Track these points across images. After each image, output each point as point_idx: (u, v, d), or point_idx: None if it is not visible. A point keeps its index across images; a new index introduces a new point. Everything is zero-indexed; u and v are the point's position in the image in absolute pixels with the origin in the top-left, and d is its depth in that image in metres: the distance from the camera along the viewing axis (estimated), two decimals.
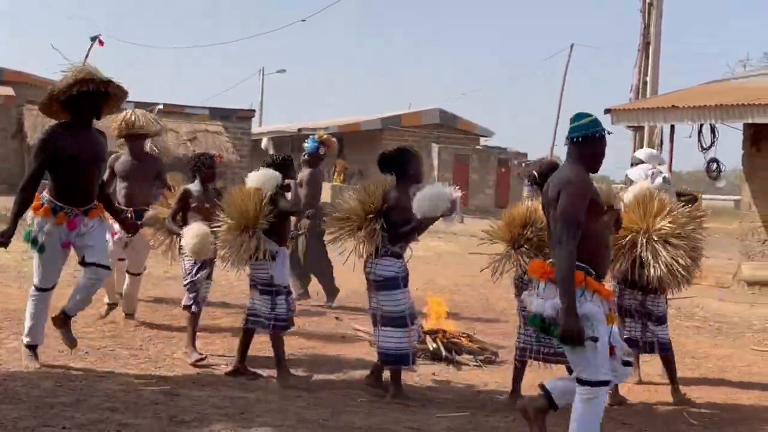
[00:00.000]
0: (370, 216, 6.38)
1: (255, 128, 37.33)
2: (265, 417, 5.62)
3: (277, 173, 6.82)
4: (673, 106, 15.05)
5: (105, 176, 7.63)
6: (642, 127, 16.74)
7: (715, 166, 15.32)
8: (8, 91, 28.32)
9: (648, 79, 16.90)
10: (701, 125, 15.14)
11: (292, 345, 8.06)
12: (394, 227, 6.37)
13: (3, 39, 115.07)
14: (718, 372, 8.15)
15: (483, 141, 40.38)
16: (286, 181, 6.92)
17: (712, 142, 15.06)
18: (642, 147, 16.74)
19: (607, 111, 16.25)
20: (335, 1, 64.09)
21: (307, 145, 10.73)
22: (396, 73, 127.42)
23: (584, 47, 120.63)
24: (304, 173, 10.59)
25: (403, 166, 6.53)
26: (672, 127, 15.89)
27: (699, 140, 15.21)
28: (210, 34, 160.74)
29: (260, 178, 6.78)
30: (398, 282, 6.39)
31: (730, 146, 18.34)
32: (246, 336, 6.87)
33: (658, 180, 7.24)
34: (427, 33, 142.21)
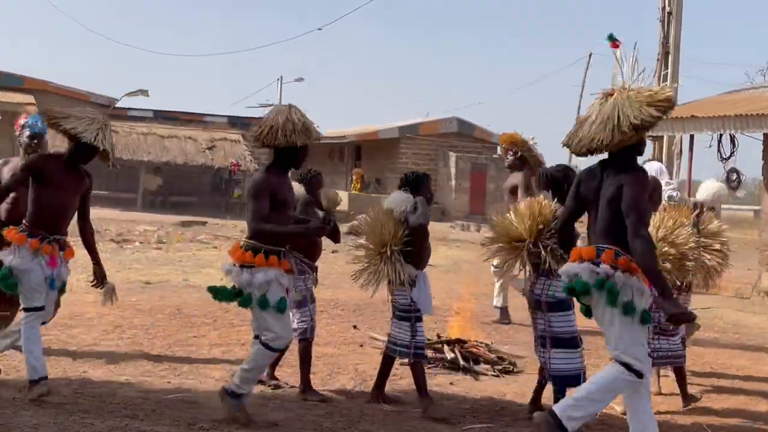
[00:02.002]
0: (537, 234, 6.11)
1: None
2: (284, 425, 5.64)
3: (409, 196, 6.51)
4: (692, 115, 15.00)
5: None
6: (661, 137, 16.67)
7: (734, 176, 15.23)
8: (29, 98, 28.53)
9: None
10: (720, 135, 15.08)
11: (315, 353, 8.06)
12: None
13: (26, 48, 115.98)
14: (738, 383, 8.09)
15: (500, 149, 40.29)
16: (418, 198, 6.57)
17: (732, 152, 14.98)
18: (661, 156, 16.69)
19: None
20: (351, 11, 64.15)
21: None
22: (414, 81, 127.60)
23: (603, 57, 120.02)
24: None
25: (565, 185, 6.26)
26: (691, 136, 15.83)
27: (718, 150, 15.14)
28: (229, 43, 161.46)
29: (393, 201, 6.56)
30: (571, 302, 6.12)
31: (750, 156, 18.24)
32: (385, 363, 6.60)
33: (665, 195, 7.25)
34: (444, 41, 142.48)
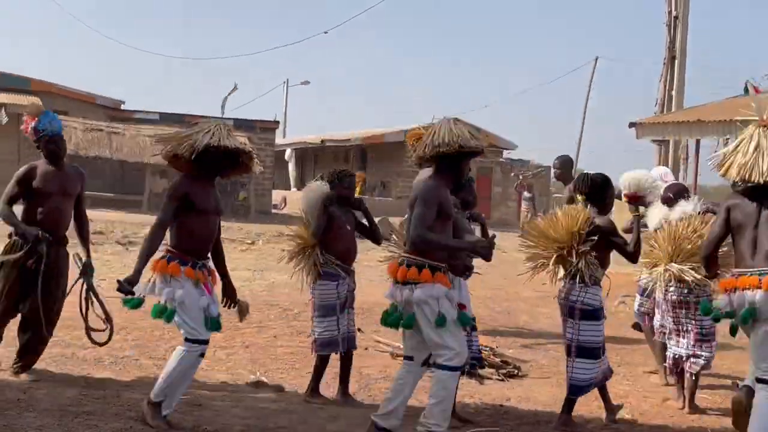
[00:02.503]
0: (576, 239, 6.11)
1: (278, 139, 37.49)
2: (287, 428, 5.64)
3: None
4: (698, 120, 14.99)
5: None
6: (667, 141, 16.66)
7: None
8: (35, 100, 28.53)
9: (674, 93, 16.82)
10: (727, 139, 15.06)
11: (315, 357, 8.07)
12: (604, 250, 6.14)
13: (31, 50, 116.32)
14: None
15: (506, 153, 40.32)
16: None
17: None
18: (667, 161, 16.68)
19: (632, 124, 16.20)
20: (357, 14, 64.24)
21: None
22: (420, 84, 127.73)
23: (609, 60, 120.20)
24: None
25: (604, 192, 6.34)
26: (697, 141, 15.84)
27: None
28: (234, 45, 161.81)
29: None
30: (602, 312, 6.20)
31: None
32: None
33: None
34: (451, 45, 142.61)
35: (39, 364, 6.92)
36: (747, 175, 5.29)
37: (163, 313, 5.34)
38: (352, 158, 40.46)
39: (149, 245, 5.38)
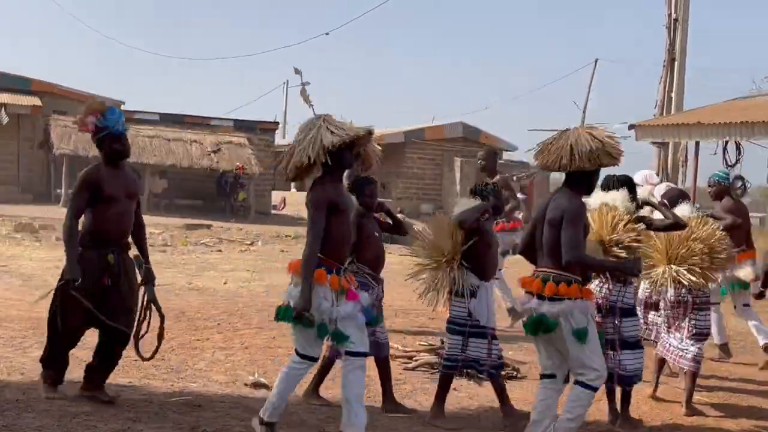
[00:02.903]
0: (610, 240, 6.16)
1: (278, 140, 37.48)
2: (286, 429, 5.64)
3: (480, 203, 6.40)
4: (698, 122, 14.99)
5: None
6: (666, 144, 16.67)
7: (740, 183, 15.19)
8: (35, 101, 28.56)
9: (673, 95, 16.82)
10: (726, 142, 15.08)
11: None
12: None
13: (31, 50, 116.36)
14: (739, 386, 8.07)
15: (506, 155, 40.31)
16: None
17: (737, 159, 14.99)
18: (666, 164, 16.67)
19: (631, 126, 16.21)
20: (359, 15, 64.29)
21: None
22: (419, 86, 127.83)
23: (609, 62, 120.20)
24: None
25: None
26: (696, 143, 15.83)
27: (724, 157, 15.15)
28: (234, 46, 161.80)
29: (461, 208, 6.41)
30: (636, 308, 6.69)
31: (756, 163, 18.23)
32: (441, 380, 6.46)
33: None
34: (451, 45, 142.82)
35: (38, 366, 6.91)
36: None
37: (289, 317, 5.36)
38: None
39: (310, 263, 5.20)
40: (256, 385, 6.82)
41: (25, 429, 5.12)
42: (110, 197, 5.79)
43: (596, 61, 40.27)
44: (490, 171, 10.24)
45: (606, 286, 6.34)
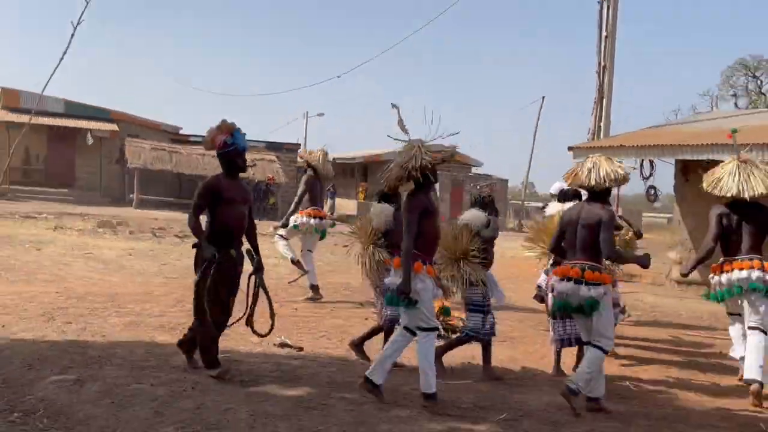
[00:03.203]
0: None
1: (299, 158, 37.42)
2: (305, 379, 5.64)
3: (482, 214, 6.44)
4: (621, 145, 14.98)
5: None
6: None
7: (653, 191, 15.31)
8: (113, 126, 28.59)
9: (602, 124, 16.83)
10: (642, 160, 15.09)
11: (327, 324, 8.07)
12: None
13: (110, 85, 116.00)
14: (657, 354, 8.09)
15: (474, 169, 40.28)
16: (491, 216, 6.54)
17: (651, 173, 15.02)
18: None
19: (570, 148, 16.20)
20: (364, 62, 64.13)
21: None
22: (410, 115, 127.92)
23: (554, 100, 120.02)
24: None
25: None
26: (619, 161, 15.81)
27: (641, 172, 15.15)
28: (266, 83, 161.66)
29: (469, 218, 6.43)
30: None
31: (665, 176, 18.27)
32: (458, 342, 6.51)
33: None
34: (434, 85, 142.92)
35: (115, 329, 6.92)
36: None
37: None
38: (356, 172, 40.42)
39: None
40: (282, 345, 6.81)
41: (105, 378, 5.12)
42: (230, 200, 5.50)
43: (543, 98, 40.16)
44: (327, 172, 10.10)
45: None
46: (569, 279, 5.36)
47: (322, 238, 10.05)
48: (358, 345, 6.68)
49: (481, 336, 6.36)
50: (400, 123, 5.64)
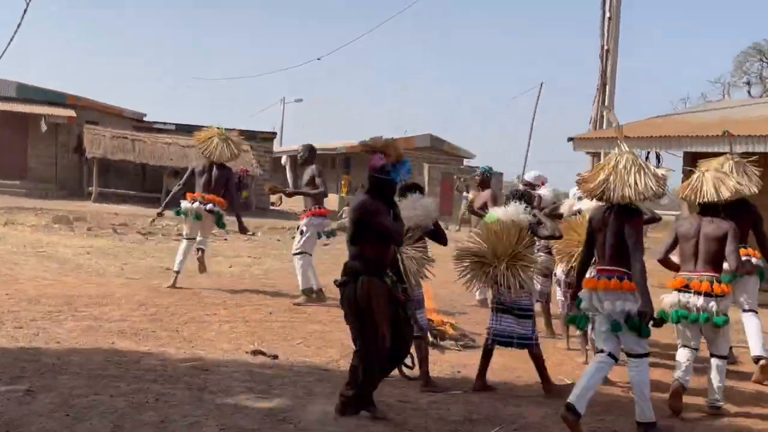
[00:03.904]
0: None
1: (276, 148, 37.34)
2: (280, 389, 5.63)
3: (525, 209, 6.36)
4: (625, 136, 15.08)
5: None
6: (599, 153, 16.76)
7: None
8: (70, 112, 28.36)
9: (604, 113, 16.92)
10: (648, 152, 15.18)
11: (305, 330, 8.07)
12: None
13: (65, 68, 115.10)
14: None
15: (465, 161, 40.40)
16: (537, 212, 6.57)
17: (657, 166, 15.12)
18: None
19: (570, 139, 16.28)
20: (345, 44, 64.20)
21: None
22: (395, 102, 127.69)
23: (554, 85, 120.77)
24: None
25: None
26: None
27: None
28: (239, 68, 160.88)
29: (513, 214, 6.31)
30: None
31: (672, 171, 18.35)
32: (486, 355, 6.34)
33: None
34: (421, 69, 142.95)
35: (71, 335, 6.87)
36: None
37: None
38: (338, 164, 40.43)
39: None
40: (255, 353, 6.80)
41: (60, 388, 5.09)
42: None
43: (541, 84, 40.30)
44: (308, 162, 9.90)
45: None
46: (696, 292, 5.83)
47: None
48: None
49: (534, 344, 6.24)
50: (617, 128, 5.81)
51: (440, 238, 6.15)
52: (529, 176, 8.72)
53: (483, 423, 5.17)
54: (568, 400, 5.02)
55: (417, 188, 6.26)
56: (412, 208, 6.01)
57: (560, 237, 6.53)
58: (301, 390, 5.67)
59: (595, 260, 5.55)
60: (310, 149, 10.05)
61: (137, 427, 4.49)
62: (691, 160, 14.83)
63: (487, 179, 10.00)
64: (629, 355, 5.28)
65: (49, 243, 13.80)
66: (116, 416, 4.65)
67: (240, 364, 6.36)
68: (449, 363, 7.11)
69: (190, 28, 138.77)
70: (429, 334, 7.77)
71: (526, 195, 6.58)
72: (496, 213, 6.50)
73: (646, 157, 15.24)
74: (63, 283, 9.66)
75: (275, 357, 6.76)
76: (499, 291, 6.26)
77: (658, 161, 15.24)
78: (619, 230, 5.23)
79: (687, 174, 15.12)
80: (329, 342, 7.61)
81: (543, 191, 8.68)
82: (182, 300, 9.15)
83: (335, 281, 5.17)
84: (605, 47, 16.81)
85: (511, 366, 7.04)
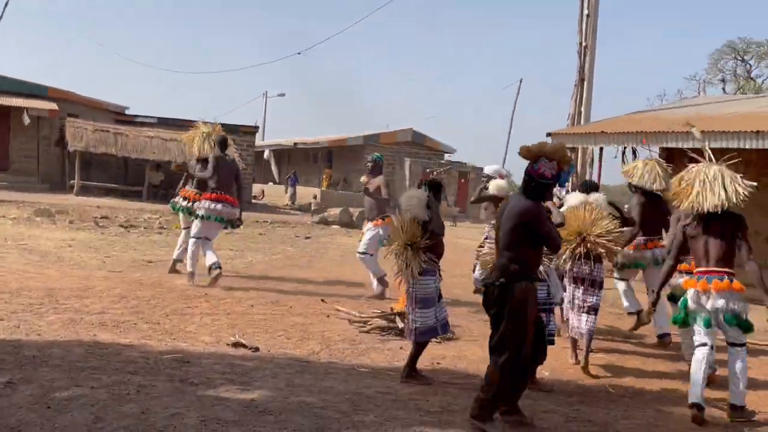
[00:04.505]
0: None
1: (258, 142, 37.18)
2: (260, 381, 5.62)
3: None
4: (602, 131, 15.16)
5: None
6: (576, 148, 16.83)
7: None
8: (52, 105, 28.07)
9: (582, 109, 16.98)
10: (625, 148, 15.27)
11: (286, 322, 8.06)
12: None
13: (47, 61, 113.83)
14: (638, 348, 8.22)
15: (447, 156, 40.47)
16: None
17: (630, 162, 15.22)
18: (576, 165, 16.81)
19: (548, 134, 16.34)
20: (326, 39, 64.00)
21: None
22: (376, 97, 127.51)
23: (533, 80, 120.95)
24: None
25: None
26: (601, 149, 16.00)
27: (623, 160, 15.32)
28: (222, 62, 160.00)
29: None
30: None
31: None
32: None
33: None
34: (402, 64, 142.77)
35: (52, 328, 6.82)
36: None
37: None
38: (320, 158, 40.35)
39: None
40: (236, 345, 6.78)
41: (40, 380, 5.05)
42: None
43: (521, 81, 40.47)
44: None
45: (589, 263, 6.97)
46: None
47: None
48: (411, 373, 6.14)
49: (550, 338, 6.19)
50: (702, 143, 6.13)
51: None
52: (489, 170, 8.90)
53: (461, 413, 5.19)
54: (694, 401, 5.57)
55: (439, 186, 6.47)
56: (414, 200, 6.11)
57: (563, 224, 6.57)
58: (282, 382, 5.66)
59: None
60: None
61: (118, 419, 4.46)
62: (667, 156, 14.96)
63: (378, 166, 10.58)
64: (734, 344, 5.73)
65: (31, 236, 13.67)
66: (97, 408, 4.62)
67: (221, 356, 6.34)
68: (430, 355, 7.11)
69: (190, 27, 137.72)
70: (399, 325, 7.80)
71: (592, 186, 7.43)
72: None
73: (623, 153, 15.37)
74: (44, 276, 9.57)
75: (256, 349, 6.75)
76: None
77: (635, 157, 15.38)
78: (727, 235, 5.74)
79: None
80: (310, 334, 7.60)
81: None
82: (163, 293, 9.10)
83: (487, 281, 5.11)
84: (583, 44, 16.86)
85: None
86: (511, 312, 4.90)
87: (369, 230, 10.17)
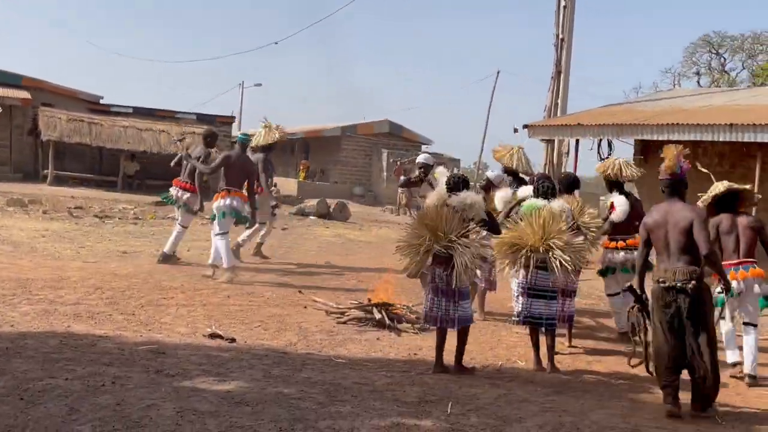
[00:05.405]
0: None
1: (234, 132, 36.96)
2: (237, 372, 5.60)
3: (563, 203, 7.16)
4: (578, 123, 15.26)
5: None
6: (552, 140, 16.92)
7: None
8: (25, 94, 27.71)
9: (559, 101, 17.06)
10: (600, 140, 15.39)
11: (263, 313, 8.03)
12: None
13: (22, 49, 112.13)
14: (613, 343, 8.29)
15: (423, 148, 40.47)
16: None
17: (609, 154, 15.33)
18: (552, 156, 16.90)
19: (525, 126, 16.41)
20: (304, 28, 63.63)
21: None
22: (353, 87, 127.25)
23: (509, 74, 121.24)
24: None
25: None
26: (577, 140, 16.11)
27: (598, 152, 15.45)
28: (197, 50, 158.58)
29: (559, 206, 6.91)
30: None
31: (624, 157, 18.62)
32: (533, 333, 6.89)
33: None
34: (380, 54, 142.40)
35: (25, 319, 6.73)
36: None
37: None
38: (297, 149, 40.18)
39: None
40: (213, 336, 6.75)
41: (13, 372, 4.98)
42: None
43: (498, 73, 40.45)
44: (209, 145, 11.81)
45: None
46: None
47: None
48: (456, 366, 6.29)
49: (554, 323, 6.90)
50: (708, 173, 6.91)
51: (494, 229, 6.53)
52: (491, 175, 9.15)
53: (437, 404, 5.21)
54: (749, 372, 6.58)
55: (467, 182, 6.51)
56: (474, 203, 6.23)
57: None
58: (259, 373, 5.64)
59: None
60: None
61: (93, 410, 4.41)
62: (642, 148, 15.10)
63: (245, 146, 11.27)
64: (751, 324, 6.69)
65: (3, 226, 13.49)
66: (72, 399, 4.57)
67: (197, 348, 6.30)
68: (407, 346, 7.14)
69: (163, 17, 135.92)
70: (386, 318, 7.82)
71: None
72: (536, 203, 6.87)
73: (599, 145, 15.48)
74: (17, 266, 9.45)
75: (233, 340, 6.72)
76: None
77: (610, 149, 15.50)
78: (753, 231, 6.63)
79: (638, 162, 15.38)
80: (287, 325, 7.58)
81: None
82: (139, 284, 9.03)
83: (679, 283, 5.40)
84: (560, 36, 16.92)
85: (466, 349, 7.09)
86: (697, 313, 5.39)
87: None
